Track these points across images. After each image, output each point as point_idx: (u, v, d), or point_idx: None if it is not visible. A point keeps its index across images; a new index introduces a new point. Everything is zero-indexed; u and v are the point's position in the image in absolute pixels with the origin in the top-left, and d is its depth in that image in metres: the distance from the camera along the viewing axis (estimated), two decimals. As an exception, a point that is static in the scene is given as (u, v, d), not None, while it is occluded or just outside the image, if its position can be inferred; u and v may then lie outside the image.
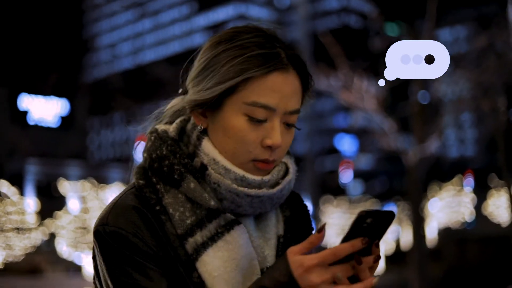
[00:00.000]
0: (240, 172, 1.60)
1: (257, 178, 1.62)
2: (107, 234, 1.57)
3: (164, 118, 1.76)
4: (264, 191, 1.61)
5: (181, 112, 1.73)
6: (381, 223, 1.47)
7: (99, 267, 1.65)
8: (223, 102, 1.59)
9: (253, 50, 1.58)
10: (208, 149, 1.62)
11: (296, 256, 1.48)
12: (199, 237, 1.56)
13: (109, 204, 1.66)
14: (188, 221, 1.57)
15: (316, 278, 1.45)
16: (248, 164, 1.61)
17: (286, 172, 1.71)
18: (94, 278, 1.71)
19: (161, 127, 1.71)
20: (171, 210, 1.58)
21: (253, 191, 1.60)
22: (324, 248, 1.52)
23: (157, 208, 1.59)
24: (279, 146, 1.60)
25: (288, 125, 1.64)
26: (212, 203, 1.58)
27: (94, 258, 1.68)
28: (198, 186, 1.58)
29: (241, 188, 1.59)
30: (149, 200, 1.60)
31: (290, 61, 1.62)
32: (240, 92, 1.57)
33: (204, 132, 1.66)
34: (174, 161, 1.61)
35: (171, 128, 1.70)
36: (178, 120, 1.73)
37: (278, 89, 1.58)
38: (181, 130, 1.71)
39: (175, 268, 1.57)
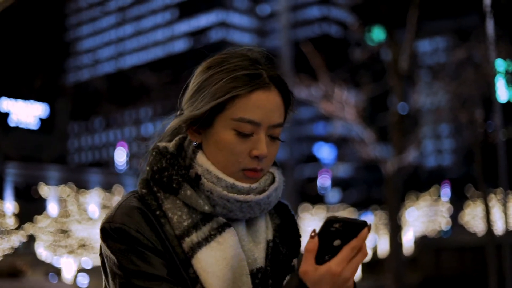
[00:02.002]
0: (230, 180, 1.81)
1: (245, 185, 1.82)
2: (113, 230, 1.77)
3: (165, 137, 1.96)
4: (251, 197, 1.81)
5: (179, 131, 1.94)
6: (350, 230, 1.63)
7: (106, 262, 1.84)
8: (214, 120, 1.80)
9: (239, 71, 1.79)
10: (202, 161, 1.83)
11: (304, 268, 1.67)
12: (194, 237, 1.76)
13: (115, 206, 1.85)
14: (185, 223, 1.77)
15: None
16: (239, 173, 1.81)
17: (273, 180, 1.91)
18: (102, 275, 1.92)
19: (162, 144, 1.92)
20: (170, 214, 1.78)
21: (242, 197, 1.80)
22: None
23: (157, 212, 1.79)
24: (265, 156, 1.81)
25: (272, 138, 1.84)
26: (206, 208, 1.79)
27: (101, 254, 1.88)
28: (194, 194, 1.80)
29: (231, 194, 1.79)
30: (151, 206, 1.80)
31: (271, 80, 1.82)
32: (228, 109, 1.78)
33: (199, 147, 1.87)
34: (173, 172, 1.82)
35: (171, 145, 1.90)
36: (177, 138, 1.94)
37: (262, 105, 1.79)
38: (179, 146, 1.92)
39: (173, 264, 1.76)
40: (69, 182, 33.18)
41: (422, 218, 42.85)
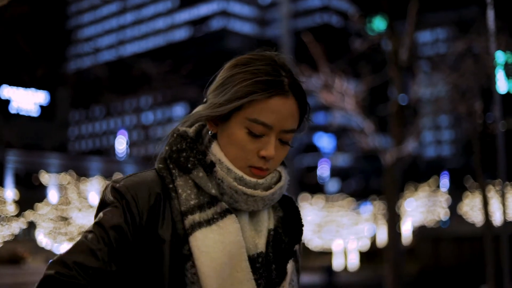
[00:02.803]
0: (239, 173, 1.93)
1: (253, 180, 1.94)
2: (112, 188, 1.93)
3: (186, 121, 2.07)
4: (258, 192, 1.94)
5: (199, 118, 2.05)
6: None
7: None
8: (231, 116, 1.92)
9: (260, 76, 1.89)
10: (216, 151, 1.95)
11: None
12: (197, 216, 1.88)
13: (132, 173, 2.01)
14: (192, 202, 1.90)
15: None
16: (246, 169, 1.94)
17: (279, 179, 2.04)
18: None
19: (182, 128, 2.04)
20: (180, 191, 1.91)
21: (249, 191, 1.92)
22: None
23: (170, 186, 1.93)
24: (272, 157, 1.93)
25: (283, 142, 1.97)
26: (213, 191, 1.92)
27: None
28: (205, 176, 1.93)
29: (240, 187, 1.92)
30: (165, 179, 1.94)
31: (291, 88, 1.93)
32: (245, 109, 1.89)
33: (214, 137, 1.99)
34: (191, 154, 1.95)
35: (191, 130, 2.03)
36: (197, 124, 2.06)
37: (277, 111, 1.89)
38: (198, 132, 2.04)
39: (172, 242, 1.88)
40: (70, 170, 33.24)
41: (420, 208, 42.95)
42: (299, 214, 2.12)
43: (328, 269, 32.22)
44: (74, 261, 1.80)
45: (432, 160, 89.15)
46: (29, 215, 29.24)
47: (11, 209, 27.50)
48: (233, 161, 1.94)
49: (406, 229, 45.28)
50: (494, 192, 28.66)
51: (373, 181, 68.06)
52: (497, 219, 24.58)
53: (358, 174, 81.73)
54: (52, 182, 40.07)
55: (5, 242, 26.85)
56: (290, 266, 1.99)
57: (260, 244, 1.98)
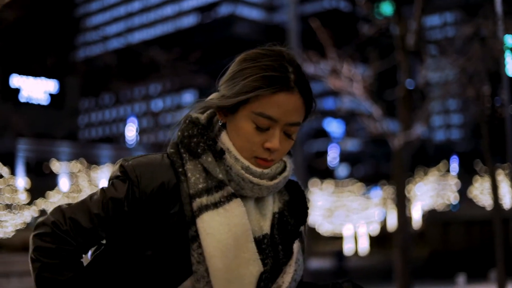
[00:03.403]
0: (246, 162, 2.04)
1: (258, 170, 2.04)
2: (121, 166, 2.05)
3: (198, 108, 2.17)
4: (263, 182, 2.04)
5: (210, 106, 2.14)
6: None
7: None
8: (238, 108, 2.02)
9: (267, 72, 1.99)
10: (225, 140, 2.06)
11: None
12: (204, 200, 1.99)
13: (143, 154, 2.12)
14: (200, 186, 2.01)
15: None
16: (251, 160, 2.04)
17: (284, 169, 2.14)
18: None
19: (194, 115, 2.14)
20: (189, 174, 2.02)
21: (255, 180, 2.02)
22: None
23: (180, 170, 2.03)
24: (276, 149, 2.03)
25: (287, 135, 2.06)
26: (220, 176, 2.02)
27: None
28: (214, 161, 2.03)
29: (247, 175, 2.03)
30: (175, 163, 2.04)
31: (296, 84, 2.01)
32: (252, 103, 1.99)
33: (224, 126, 2.09)
34: (201, 140, 2.05)
35: (203, 117, 2.13)
36: (208, 111, 2.15)
37: (282, 105, 1.99)
38: (209, 119, 2.14)
39: (179, 223, 1.99)
40: (80, 158, 33.44)
41: (430, 192, 42.98)
42: (305, 198, 2.23)
43: (339, 254, 32.31)
44: (71, 216, 1.97)
45: (442, 144, 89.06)
46: (40, 203, 29.49)
47: (23, 197, 27.73)
48: (240, 152, 2.04)
49: (416, 213, 45.38)
50: (504, 175, 28.69)
51: (383, 165, 68.00)
52: (506, 203, 24.61)
53: (368, 159, 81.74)
54: (63, 170, 40.28)
55: (17, 231, 27.10)
56: (296, 246, 2.09)
57: (265, 226, 2.08)
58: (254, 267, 1.98)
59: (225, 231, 1.96)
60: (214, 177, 2.02)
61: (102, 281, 2.05)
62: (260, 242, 2.04)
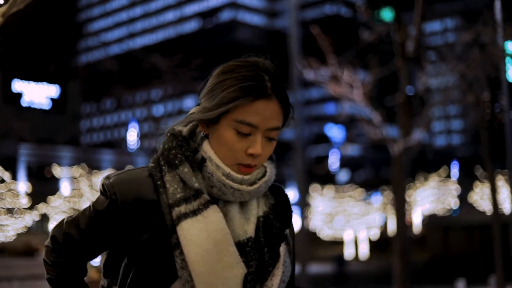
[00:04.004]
0: (227, 169, 2.14)
1: (239, 176, 2.15)
2: (102, 185, 2.19)
3: (182, 122, 2.27)
4: (243, 187, 2.14)
5: (193, 120, 2.25)
6: None
7: None
8: (220, 118, 2.13)
9: (245, 82, 2.10)
10: (207, 149, 2.17)
11: None
12: (183, 208, 2.09)
13: (126, 169, 2.25)
14: (178, 196, 2.11)
15: None
16: (234, 167, 2.15)
17: (264, 174, 2.24)
18: None
19: (177, 128, 2.25)
20: (168, 185, 2.13)
21: (235, 185, 2.12)
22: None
23: (159, 183, 2.14)
24: (259, 154, 2.14)
25: (269, 139, 2.17)
26: (196, 185, 2.12)
27: None
28: (190, 172, 2.14)
29: (227, 181, 2.13)
30: (154, 177, 2.16)
31: (274, 91, 2.13)
32: (232, 112, 2.10)
33: (207, 136, 2.20)
34: (179, 152, 2.16)
35: (185, 129, 2.24)
36: (192, 124, 2.26)
37: (261, 112, 2.10)
38: (192, 131, 2.25)
39: (161, 232, 2.11)
40: (82, 163, 33.49)
41: (431, 197, 42.99)
42: (288, 201, 2.33)
43: (339, 259, 32.32)
44: (65, 231, 2.19)
45: (442, 149, 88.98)
46: (41, 207, 29.54)
47: (24, 202, 27.76)
48: (223, 160, 2.14)
49: (417, 218, 45.40)
50: (504, 181, 28.74)
51: (383, 171, 68.03)
52: (506, 208, 24.65)
53: (368, 164, 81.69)
54: (64, 175, 40.35)
55: (18, 235, 27.15)
56: (282, 249, 2.18)
57: (250, 230, 2.18)
58: (237, 269, 2.07)
59: (205, 237, 2.06)
60: (191, 187, 2.12)
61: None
62: (244, 245, 2.13)
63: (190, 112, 2.27)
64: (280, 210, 2.29)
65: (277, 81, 2.16)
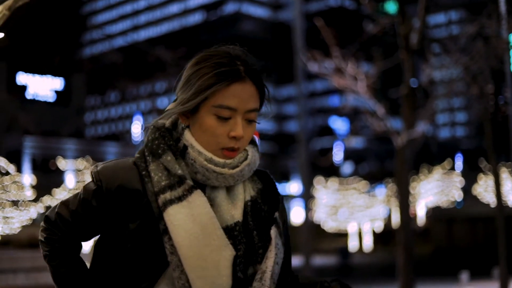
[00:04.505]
0: (209, 154, 2.20)
1: (221, 160, 2.21)
2: (91, 172, 2.28)
3: (162, 118, 2.34)
4: (225, 171, 2.19)
5: (174, 112, 2.31)
6: None
7: None
8: (199, 107, 2.21)
9: (219, 69, 2.18)
10: (188, 138, 2.23)
11: None
12: (168, 195, 2.15)
13: (114, 159, 2.32)
14: (163, 183, 2.18)
15: None
16: (218, 152, 2.21)
17: (246, 158, 2.29)
18: None
19: (161, 121, 2.32)
20: (152, 174, 2.19)
21: (217, 169, 2.18)
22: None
23: (143, 172, 2.21)
24: (241, 137, 2.21)
25: (249, 121, 2.24)
26: (179, 172, 2.19)
27: None
28: (173, 159, 2.20)
29: (210, 165, 2.19)
30: (139, 167, 2.23)
31: (247, 74, 2.21)
32: (210, 99, 2.18)
33: (187, 126, 2.27)
34: (162, 141, 2.23)
35: (168, 122, 2.31)
36: (173, 116, 2.32)
37: (238, 95, 2.18)
38: (175, 123, 2.31)
39: (149, 219, 2.17)
40: (86, 156, 33.56)
41: (435, 189, 43.01)
42: (275, 185, 2.39)
43: (343, 251, 32.36)
44: (57, 211, 2.28)
45: (446, 142, 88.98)
46: (46, 200, 29.59)
47: (29, 194, 27.83)
48: (206, 147, 2.21)
49: (421, 211, 45.42)
50: (508, 173, 28.76)
51: (387, 163, 68.05)
52: (510, 200, 24.69)
53: (372, 156, 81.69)
54: (69, 167, 40.41)
55: (23, 227, 27.22)
56: (273, 231, 2.24)
57: (237, 214, 2.23)
58: (226, 252, 2.12)
59: (191, 221, 2.12)
60: (175, 174, 2.17)
61: (95, 270, 2.28)
62: (232, 229, 2.18)
63: (167, 108, 2.33)
64: (267, 194, 2.34)
65: (249, 64, 2.23)
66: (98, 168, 2.24)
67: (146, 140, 2.26)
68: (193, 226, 2.11)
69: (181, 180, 2.17)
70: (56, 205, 2.30)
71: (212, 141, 2.19)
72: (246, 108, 2.19)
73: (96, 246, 2.30)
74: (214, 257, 2.10)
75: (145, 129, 2.32)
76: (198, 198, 2.15)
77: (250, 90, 2.21)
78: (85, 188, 2.25)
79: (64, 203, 2.28)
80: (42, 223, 2.32)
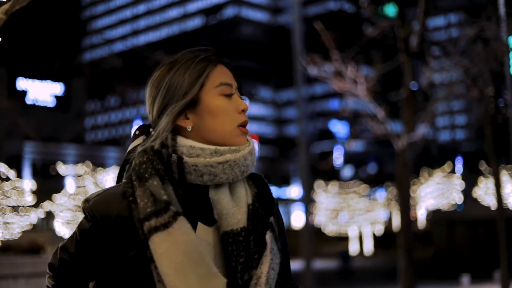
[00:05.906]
0: (212, 147, 2.15)
1: (226, 148, 2.16)
2: (83, 209, 2.19)
3: (157, 138, 2.21)
4: (229, 156, 2.15)
5: (168, 127, 2.21)
6: None
7: None
8: (200, 97, 2.17)
9: (198, 56, 2.18)
10: (183, 141, 2.17)
11: None
12: (153, 222, 2.08)
13: (105, 189, 2.25)
14: (148, 210, 2.10)
15: None
16: (236, 130, 2.18)
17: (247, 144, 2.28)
18: None
19: (149, 144, 2.22)
20: (138, 200, 2.11)
21: (221, 158, 2.14)
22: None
23: (130, 198, 2.13)
24: (247, 109, 2.22)
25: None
26: (164, 197, 2.11)
27: None
28: (159, 184, 2.13)
29: (213, 159, 2.13)
30: (126, 193, 2.15)
31: (219, 58, 2.21)
32: (207, 83, 2.16)
33: (174, 133, 2.19)
34: (149, 166, 2.15)
35: (156, 144, 2.20)
36: (161, 137, 2.19)
37: (225, 72, 2.20)
38: (162, 144, 2.19)
39: (137, 247, 2.11)
40: (87, 161, 33.56)
41: (435, 192, 43.02)
42: (269, 189, 2.33)
43: (344, 254, 32.32)
44: (60, 257, 2.21)
45: (446, 144, 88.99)
46: (47, 205, 29.61)
47: (29, 199, 27.80)
48: (222, 132, 2.17)
49: (421, 214, 45.43)
50: (508, 175, 28.76)
51: (388, 166, 68.04)
52: (510, 203, 24.68)
53: (372, 159, 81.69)
54: (69, 172, 40.41)
55: (24, 232, 27.20)
56: (268, 236, 2.17)
57: (242, 219, 2.17)
58: (216, 280, 2.07)
59: (176, 249, 2.05)
60: (160, 199, 2.10)
61: None
62: (237, 234, 2.13)
63: (160, 127, 2.22)
64: (263, 198, 2.29)
65: (214, 51, 2.24)
66: (90, 203, 2.17)
67: (133, 164, 2.18)
68: (178, 254, 2.05)
69: (166, 207, 2.09)
70: (57, 251, 2.24)
71: (227, 121, 2.16)
72: (236, 84, 2.21)
73: (96, 283, 2.28)
74: (204, 285, 2.06)
75: (133, 135, 2.29)
76: (183, 225, 2.08)
77: (228, 70, 2.22)
78: (80, 228, 2.20)
79: (63, 248, 2.22)
80: (47, 271, 2.25)
